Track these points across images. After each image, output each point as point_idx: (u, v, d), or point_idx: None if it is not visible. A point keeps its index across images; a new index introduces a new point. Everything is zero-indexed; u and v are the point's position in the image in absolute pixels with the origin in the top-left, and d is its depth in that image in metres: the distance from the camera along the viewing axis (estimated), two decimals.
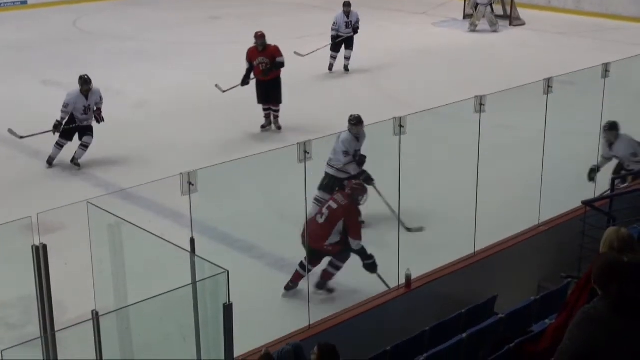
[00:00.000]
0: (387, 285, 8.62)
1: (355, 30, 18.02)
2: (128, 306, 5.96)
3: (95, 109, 12.82)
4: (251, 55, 14.33)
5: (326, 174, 10.46)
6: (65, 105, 12.70)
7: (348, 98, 16.69)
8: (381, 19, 23.80)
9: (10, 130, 12.99)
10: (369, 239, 9.18)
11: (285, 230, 9.46)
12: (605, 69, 9.79)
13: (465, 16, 24.41)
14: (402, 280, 8.32)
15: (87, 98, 12.72)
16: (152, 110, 15.69)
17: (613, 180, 10.13)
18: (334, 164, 10.44)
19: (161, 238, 5.88)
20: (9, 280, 7.41)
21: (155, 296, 5.11)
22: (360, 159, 10.48)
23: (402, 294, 8.16)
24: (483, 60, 19.84)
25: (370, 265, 8.93)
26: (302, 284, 8.63)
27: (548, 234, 9.43)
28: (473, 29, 23.11)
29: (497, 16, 23.63)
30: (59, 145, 12.76)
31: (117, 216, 6.29)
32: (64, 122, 12.70)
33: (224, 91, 14.64)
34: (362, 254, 8.93)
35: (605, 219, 8.81)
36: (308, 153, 7.23)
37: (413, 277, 8.33)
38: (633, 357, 4.37)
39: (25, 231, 6.01)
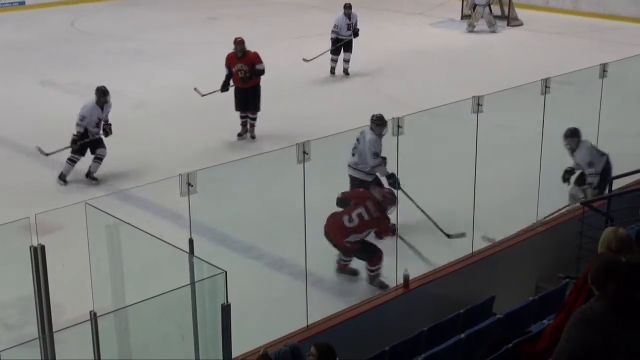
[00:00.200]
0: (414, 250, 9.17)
1: (356, 33, 17.90)
2: (126, 307, 5.97)
3: (105, 121, 12.47)
4: (230, 61, 14.07)
5: (352, 178, 10.33)
6: (82, 118, 12.19)
7: (347, 99, 16.72)
8: (379, 20, 23.80)
9: (38, 148, 12.62)
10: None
11: (284, 231, 9.46)
12: (603, 69, 9.80)
13: (463, 17, 24.42)
14: (400, 281, 8.33)
15: (102, 110, 12.33)
16: (151, 111, 15.69)
17: (610, 180, 10.13)
18: (361, 167, 10.28)
19: (159, 239, 5.88)
20: (8, 280, 7.40)
21: (154, 297, 5.11)
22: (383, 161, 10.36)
23: (400, 295, 8.17)
24: (481, 60, 19.84)
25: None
26: (301, 285, 8.62)
27: (546, 234, 9.43)
28: (471, 29, 23.12)
29: (495, 16, 23.64)
30: (72, 161, 12.21)
31: (116, 217, 6.30)
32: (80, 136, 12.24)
33: (202, 95, 14.45)
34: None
35: (603, 219, 8.82)
36: (307, 154, 7.23)
37: (411, 277, 8.33)
38: (630, 357, 4.38)
39: (23, 232, 6.02)
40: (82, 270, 6.47)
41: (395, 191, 9.57)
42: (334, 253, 9.51)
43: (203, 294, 5.76)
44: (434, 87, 16.85)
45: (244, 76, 13.89)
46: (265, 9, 26.66)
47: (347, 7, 18.01)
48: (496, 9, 24.04)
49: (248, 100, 14.05)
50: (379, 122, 10.09)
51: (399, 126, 8.15)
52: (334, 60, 18.16)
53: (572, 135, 10.28)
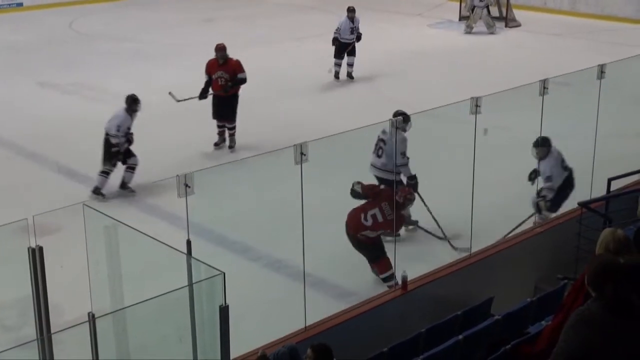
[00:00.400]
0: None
1: (359, 37, 17.73)
2: (124, 308, 5.97)
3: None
4: (210, 68, 13.67)
5: (378, 179, 10.29)
6: (118, 128, 11.86)
7: (346, 100, 16.73)
8: (378, 21, 23.80)
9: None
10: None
11: (282, 232, 9.46)
12: (601, 70, 9.80)
13: (461, 18, 24.45)
14: (398, 281, 8.33)
15: (132, 118, 12.13)
16: (149, 112, 15.63)
17: (609, 181, 10.12)
18: (389, 168, 10.24)
19: (157, 240, 5.88)
20: (6, 282, 7.40)
21: (152, 298, 5.11)
22: None
23: (399, 296, 8.16)
24: (479, 61, 19.86)
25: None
26: (299, 286, 8.62)
27: (544, 236, 9.43)
28: (469, 30, 23.14)
29: (493, 18, 23.66)
30: (106, 174, 11.87)
31: (113, 218, 6.30)
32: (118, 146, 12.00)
33: (177, 100, 14.02)
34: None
35: (601, 220, 8.81)
36: (305, 155, 7.23)
37: (409, 278, 8.33)
38: (628, 359, 4.37)
39: (21, 233, 6.02)
40: (80, 272, 6.46)
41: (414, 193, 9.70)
42: (333, 254, 9.54)
43: (201, 295, 5.76)
44: (433, 88, 16.86)
45: (225, 84, 13.55)
46: (264, 10, 26.68)
47: (351, 10, 17.78)
48: (494, 10, 24.07)
49: (225, 109, 13.70)
50: (405, 118, 10.13)
51: (397, 127, 8.15)
52: (338, 65, 17.95)
53: (542, 145, 10.07)
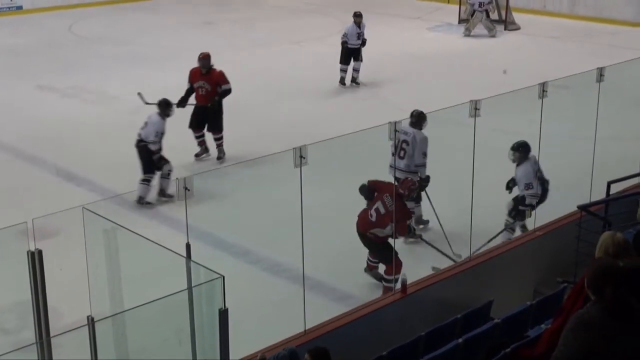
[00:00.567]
0: (437, 249, 9.35)
1: (364, 42, 17.59)
2: (124, 311, 5.96)
3: None
4: (193, 76, 13.22)
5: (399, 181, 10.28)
6: (156, 134, 11.78)
7: (345, 103, 16.73)
8: (377, 24, 23.76)
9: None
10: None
11: (281, 235, 9.46)
12: (600, 73, 9.81)
13: (461, 21, 24.46)
14: (398, 285, 8.32)
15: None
16: (147, 115, 15.67)
17: (609, 184, 10.12)
18: (412, 169, 10.35)
19: (157, 243, 5.88)
20: (5, 285, 7.40)
21: (151, 301, 5.10)
22: None
23: (398, 299, 8.16)
24: (478, 64, 19.86)
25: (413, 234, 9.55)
26: (299, 289, 8.62)
27: (544, 239, 9.43)
28: (468, 33, 23.15)
29: (493, 21, 23.67)
30: (147, 182, 11.70)
31: (113, 221, 6.29)
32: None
33: (146, 103, 13.36)
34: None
35: (600, 223, 8.81)
36: (304, 158, 7.22)
37: (409, 282, 8.33)
38: None
39: (20, 236, 6.01)
40: (80, 275, 6.46)
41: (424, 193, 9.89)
42: (332, 257, 9.53)
43: (200, 299, 5.76)
44: (432, 91, 16.87)
45: (206, 95, 13.07)
46: (262, 13, 26.69)
47: (358, 15, 17.62)
48: (493, 14, 24.07)
49: (207, 120, 13.24)
50: (422, 117, 10.34)
51: (396, 130, 8.15)
52: (344, 71, 17.73)
53: (517, 149, 10.05)
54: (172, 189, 11.33)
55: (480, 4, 23.08)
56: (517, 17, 24.31)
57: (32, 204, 10.83)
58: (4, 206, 11.08)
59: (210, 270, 5.41)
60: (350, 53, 17.62)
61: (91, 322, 5.43)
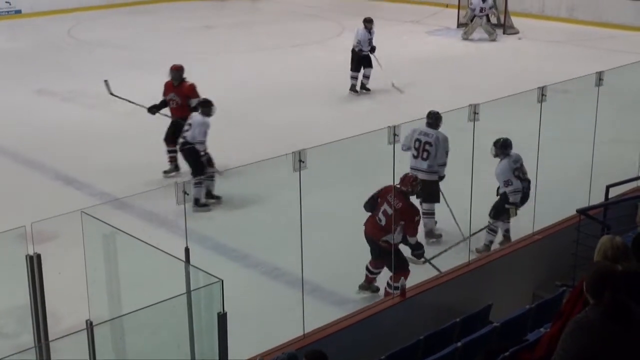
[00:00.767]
0: (438, 270, 9.01)
1: (373, 49, 17.51)
2: (122, 315, 5.95)
3: None
4: (165, 89, 12.83)
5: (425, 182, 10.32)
6: (205, 134, 11.64)
7: (344, 106, 16.73)
8: (376, 28, 23.82)
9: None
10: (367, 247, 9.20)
11: (280, 239, 9.45)
12: (599, 77, 9.81)
13: (459, 25, 24.48)
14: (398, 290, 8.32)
15: None
16: (147, 119, 15.67)
17: (607, 188, 10.12)
18: (435, 169, 10.40)
19: (155, 247, 5.88)
20: (3, 289, 7.39)
21: (150, 305, 5.10)
22: None
23: (397, 303, 8.15)
24: (477, 68, 19.88)
25: (421, 254, 9.22)
26: (297, 293, 8.62)
27: (542, 243, 9.43)
28: (466, 37, 23.17)
29: (493, 25, 23.69)
30: (200, 184, 11.50)
31: (111, 225, 6.29)
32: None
33: (110, 93, 13.34)
34: (416, 247, 9.19)
35: (599, 227, 8.81)
36: (303, 162, 7.22)
37: (408, 285, 8.32)
38: None
39: (19, 240, 6.01)
40: (78, 279, 6.45)
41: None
42: (331, 261, 9.52)
43: (199, 303, 5.75)
44: (431, 95, 16.87)
45: (176, 107, 12.67)
46: (260, 17, 26.72)
47: (369, 21, 17.50)
48: (493, 18, 24.09)
49: (179, 133, 12.43)
50: (438, 117, 10.38)
51: (395, 134, 8.14)
52: (354, 78, 17.55)
53: (495, 144, 10.06)
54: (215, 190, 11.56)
55: (481, 9, 23.09)
56: (516, 21, 24.34)
57: (31, 208, 10.82)
58: (2, 210, 11.07)
59: (209, 274, 5.40)
60: (361, 60, 17.45)
61: (90, 326, 5.42)
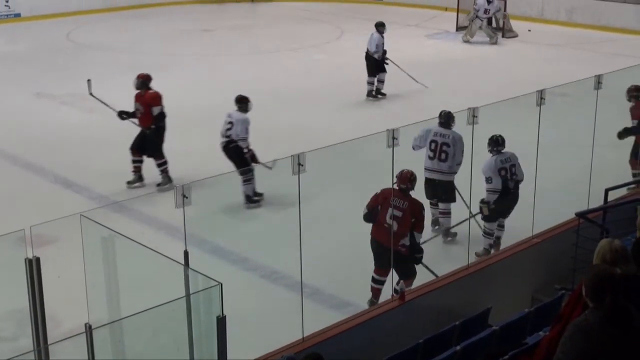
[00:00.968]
0: (434, 274, 8.92)
1: (385, 52, 17.41)
2: (121, 319, 5.95)
3: None
4: (135, 98, 12.68)
5: (441, 184, 10.46)
6: (247, 130, 11.79)
7: (344, 109, 16.73)
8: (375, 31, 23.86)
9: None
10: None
11: (279, 242, 9.45)
12: (598, 80, 9.81)
13: (458, 28, 24.49)
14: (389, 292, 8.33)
15: None
16: None
17: (606, 191, 10.13)
18: (454, 169, 10.43)
19: (155, 251, 5.88)
20: (2, 293, 7.39)
21: (149, 309, 5.10)
22: None
23: (396, 307, 8.14)
24: (476, 72, 19.89)
25: (420, 258, 9.07)
26: (296, 296, 8.62)
27: (541, 246, 9.43)
28: (467, 39, 23.18)
29: (495, 28, 23.72)
30: (249, 180, 11.56)
31: (111, 229, 6.29)
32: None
33: (90, 93, 13.07)
34: (419, 250, 9.04)
35: (598, 230, 8.81)
36: (302, 165, 7.22)
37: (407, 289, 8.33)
38: None
39: (18, 244, 6.00)
40: (77, 282, 6.45)
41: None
42: (330, 264, 9.52)
43: (198, 306, 5.75)
44: (430, 98, 16.88)
45: (140, 116, 12.53)
46: (259, 21, 26.73)
47: (382, 25, 17.45)
48: (501, 22, 24.13)
49: (148, 144, 12.54)
50: (452, 115, 10.39)
51: (394, 138, 8.14)
52: (371, 83, 17.49)
53: (489, 142, 10.10)
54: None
55: (485, 11, 23.07)
56: (515, 24, 24.35)
57: (30, 211, 10.83)
58: (1, 213, 11.07)
59: (208, 277, 5.40)
60: (378, 65, 17.41)
61: (89, 329, 5.42)
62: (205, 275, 5.47)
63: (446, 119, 10.49)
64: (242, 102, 11.90)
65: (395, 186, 8.90)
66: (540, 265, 9.37)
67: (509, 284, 9.05)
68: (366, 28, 22.10)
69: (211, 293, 5.38)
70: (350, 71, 18.50)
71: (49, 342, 6.13)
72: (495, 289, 8.83)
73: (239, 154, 11.71)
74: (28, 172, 13.19)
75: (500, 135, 10.06)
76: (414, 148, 10.62)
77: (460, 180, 10.33)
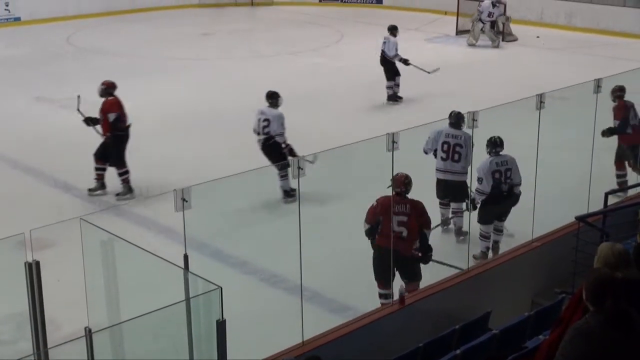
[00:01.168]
0: (458, 268, 8.88)
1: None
2: (121, 323, 5.94)
3: None
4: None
5: (454, 184, 10.47)
6: (283, 125, 11.90)
7: (343, 113, 16.73)
8: (377, 35, 23.85)
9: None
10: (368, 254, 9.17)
11: (279, 246, 9.45)
12: (597, 84, 9.82)
13: (458, 32, 24.50)
14: (396, 296, 8.31)
15: None
16: (145, 126, 15.67)
17: (606, 195, 10.13)
18: (467, 169, 10.38)
19: (154, 254, 5.87)
20: (2, 296, 7.38)
21: (149, 313, 5.09)
22: None
23: (396, 310, 8.14)
24: (476, 75, 19.89)
25: (430, 256, 8.98)
26: (296, 300, 8.61)
27: (541, 250, 9.42)
28: (472, 42, 23.18)
29: (497, 32, 23.75)
30: (286, 176, 11.39)
31: (110, 232, 6.28)
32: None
33: (77, 109, 12.88)
34: (429, 248, 8.93)
35: (598, 234, 8.81)
36: (302, 169, 7.23)
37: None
38: None
39: (18, 247, 6.00)
40: (77, 286, 6.44)
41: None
42: (330, 268, 9.51)
43: (198, 310, 5.74)
44: (429, 101, 16.88)
45: (102, 124, 12.33)
46: (258, 24, 26.75)
47: (396, 28, 17.62)
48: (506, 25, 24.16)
49: (107, 152, 12.30)
50: (460, 117, 10.39)
51: (394, 141, 8.14)
52: (390, 87, 17.55)
53: (487, 143, 10.08)
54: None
55: (489, 14, 23.08)
56: (515, 28, 24.37)
57: (30, 215, 10.82)
58: (1, 217, 11.06)
59: (208, 281, 5.40)
60: (395, 68, 17.51)
61: (88, 333, 5.41)
62: (205, 278, 5.47)
63: (456, 119, 10.48)
64: (273, 98, 12.03)
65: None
66: (540, 269, 9.37)
67: (509, 288, 9.05)
68: (365, 32, 22.17)
69: (211, 297, 5.37)
70: (352, 74, 18.49)
71: (48, 346, 6.12)
72: (495, 292, 8.83)
73: (277, 150, 11.80)
74: (28, 176, 13.19)
75: (498, 137, 10.06)
76: (425, 152, 10.62)
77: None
